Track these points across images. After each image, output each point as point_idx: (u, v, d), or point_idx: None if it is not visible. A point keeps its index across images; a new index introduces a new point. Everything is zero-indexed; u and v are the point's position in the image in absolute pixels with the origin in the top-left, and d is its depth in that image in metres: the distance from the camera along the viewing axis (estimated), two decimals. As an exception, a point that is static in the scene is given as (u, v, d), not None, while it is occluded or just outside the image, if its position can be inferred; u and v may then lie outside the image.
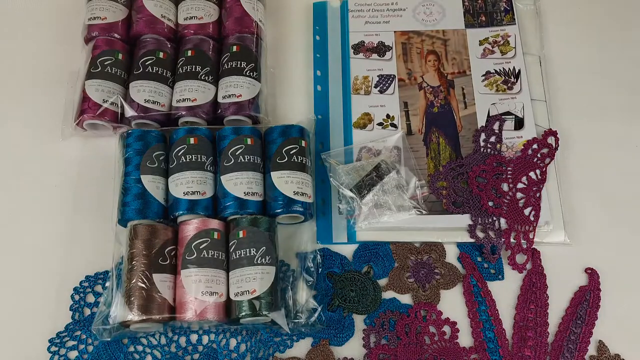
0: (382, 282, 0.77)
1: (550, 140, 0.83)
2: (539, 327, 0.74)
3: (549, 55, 0.91)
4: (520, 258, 0.78)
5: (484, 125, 0.85)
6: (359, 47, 0.91)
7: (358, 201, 0.78)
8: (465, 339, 0.74)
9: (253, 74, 0.82)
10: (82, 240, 0.78)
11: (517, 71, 0.89)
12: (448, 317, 0.75)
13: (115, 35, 0.85)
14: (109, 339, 0.70)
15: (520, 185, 0.80)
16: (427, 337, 0.73)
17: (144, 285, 0.68)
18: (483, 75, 0.89)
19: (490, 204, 0.79)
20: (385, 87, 0.88)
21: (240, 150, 0.76)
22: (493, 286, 0.77)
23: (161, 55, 0.83)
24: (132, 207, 0.73)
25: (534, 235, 0.78)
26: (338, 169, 0.80)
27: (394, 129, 0.85)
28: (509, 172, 0.81)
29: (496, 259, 0.77)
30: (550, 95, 0.88)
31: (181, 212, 0.73)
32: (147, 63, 0.82)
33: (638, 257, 0.79)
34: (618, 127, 0.87)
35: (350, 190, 0.78)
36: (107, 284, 0.73)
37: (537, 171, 0.81)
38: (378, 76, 0.89)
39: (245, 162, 0.76)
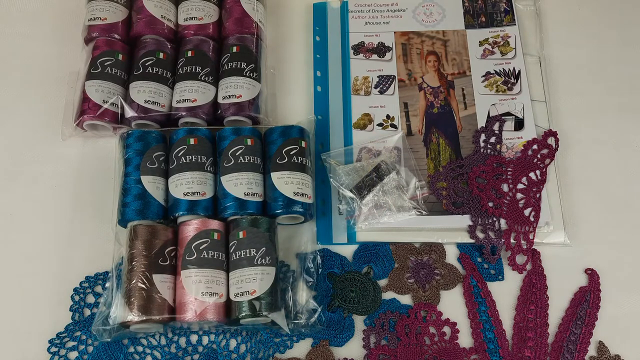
0: (382, 282, 0.77)
1: (550, 140, 0.83)
2: (539, 328, 0.74)
3: (549, 56, 0.91)
4: (520, 259, 0.78)
5: (484, 125, 0.85)
6: (359, 48, 0.91)
7: (358, 202, 0.78)
8: (465, 340, 0.74)
9: (253, 75, 0.82)
10: (82, 241, 0.78)
11: (517, 72, 0.89)
12: (448, 318, 0.75)
13: (115, 35, 0.85)
14: (109, 340, 0.70)
15: (520, 186, 0.80)
16: (427, 338, 0.73)
17: (144, 286, 0.68)
18: (483, 76, 0.89)
19: (490, 204, 0.79)
20: (385, 88, 0.88)
21: (241, 151, 0.76)
22: (493, 287, 0.77)
23: (161, 55, 0.83)
24: (132, 207, 0.73)
25: (534, 235, 0.78)
26: (338, 169, 0.80)
27: (394, 129, 0.85)
28: (509, 173, 0.81)
29: (496, 260, 0.77)
30: (550, 95, 0.88)
31: (181, 212, 0.73)
32: (147, 64, 0.82)
33: (638, 257, 0.79)
34: (618, 128, 0.87)
35: (350, 190, 0.78)
36: (107, 285, 0.73)
37: (537, 172, 0.81)
38: (378, 77, 0.89)
39: (245, 163, 0.75)
